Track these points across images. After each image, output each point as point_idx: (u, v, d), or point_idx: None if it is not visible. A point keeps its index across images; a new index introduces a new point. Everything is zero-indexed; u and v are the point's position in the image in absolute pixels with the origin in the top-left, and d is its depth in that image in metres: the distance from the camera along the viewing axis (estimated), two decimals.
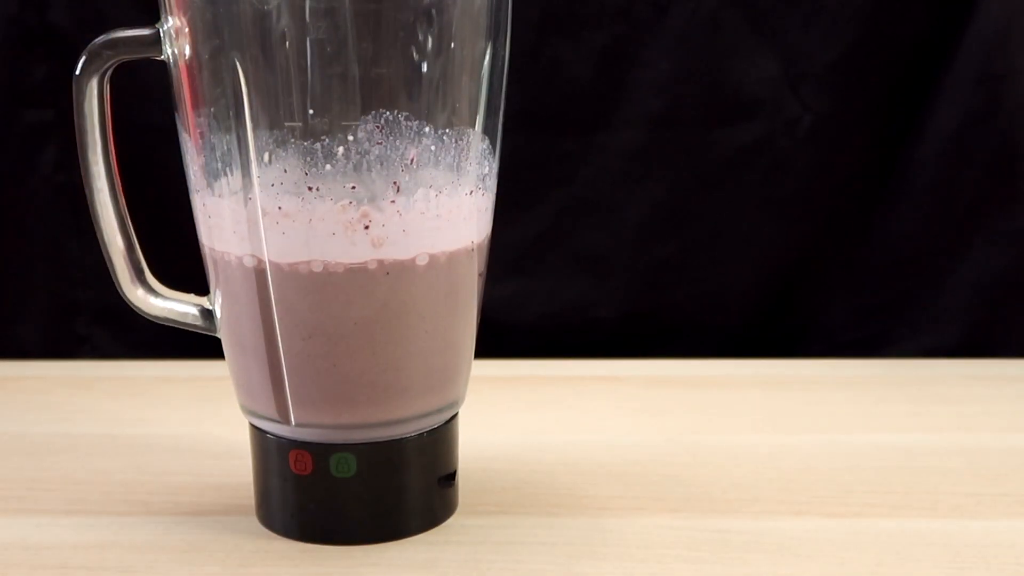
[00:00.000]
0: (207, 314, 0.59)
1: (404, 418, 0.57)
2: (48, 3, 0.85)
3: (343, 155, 0.52)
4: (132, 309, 0.61)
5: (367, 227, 0.53)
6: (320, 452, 0.57)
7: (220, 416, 0.75)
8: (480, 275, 0.59)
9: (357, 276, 0.54)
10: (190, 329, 0.60)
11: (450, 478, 0.60)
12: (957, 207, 0.87)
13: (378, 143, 0.52)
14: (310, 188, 0.53)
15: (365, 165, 0.53)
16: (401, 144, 0.53)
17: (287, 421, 0.57)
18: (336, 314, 0.54)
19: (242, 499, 0.64)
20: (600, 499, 0.63)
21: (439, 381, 0.57)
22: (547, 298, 0.89)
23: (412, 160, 0.53)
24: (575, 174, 0.88)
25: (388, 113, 0.52)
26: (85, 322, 0.90)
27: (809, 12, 0.85)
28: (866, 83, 0.86)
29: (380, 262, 0.53)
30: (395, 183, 0.53)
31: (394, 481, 0.58)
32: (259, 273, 0.54)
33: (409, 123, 0.53)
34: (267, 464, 0.59)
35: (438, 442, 0.59)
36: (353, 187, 0.53)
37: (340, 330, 0.54)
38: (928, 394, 0.78)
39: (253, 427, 0.59)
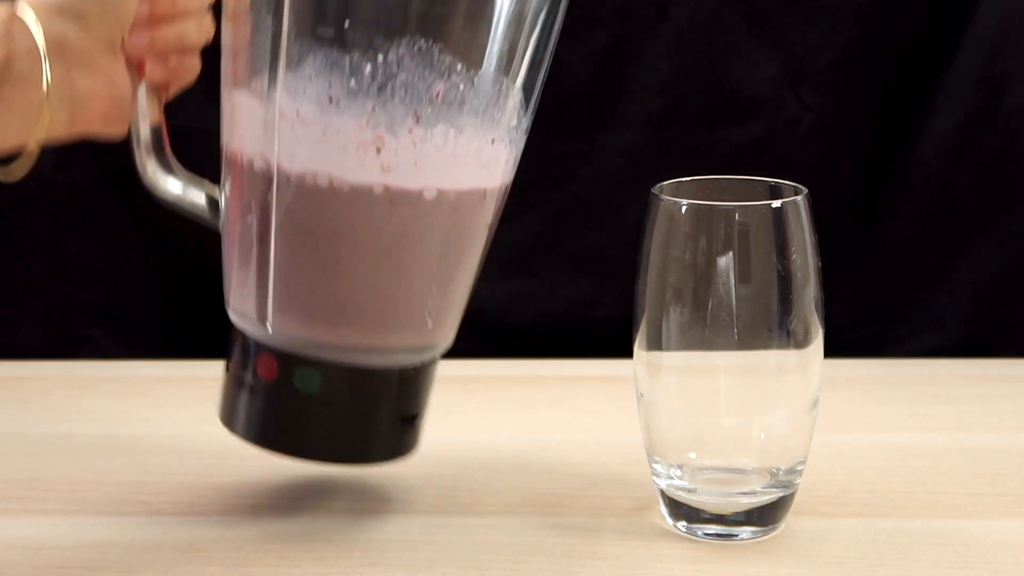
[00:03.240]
0: (214, 205, 0.58)
1: (379, 348, 0.56)
2: None
3: (369, 74, 0.51)
4: (144, 190, 0.59)
5: (379, 150, 0.52)
6: (288, 362, 0.56)
7: None
8: (489, 226, 0.58)
9: (360, 198, 0.53)
10: (194, 218, 0.59)
11: (412, 420, 0.59)
12: (957, 207, 0.87)
13: (407, 69, 0.51)
14: (331, 100, 0.52)
15: (390, 89, 0.51)
16: (430, 76, 0.52)
17: (264, 324, 0.56)
18: (332, 231, 0.53)
19: (242, 499, 0.64)
20: (600, 499, 0.63)
21: (423, 321, 0.56)
22: (547, 298, 0.89)
23: (438, 95, 0.52)
24: (575, 174, 0.88)
25: (423, 42, 0.51)
26: (85, 322, 0.90)
27: (809, 12, 0.85)
28: (866, 83, 0.86)
29: (386, 188, 0.52)
30: (416, 113, 0.52)
31: (355, 408, 0.57)
32: (266, 177, 0.54)
33: (443, 57, 0.52)
34: (237, 365, 0.58)
35: (408, 382, 0.58)
36: (373, 108, 0.52)
37: (333, 248, 0.54)
38: (928, 394, 0.78)
39: (232, 327, 0.58)
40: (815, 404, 0.59)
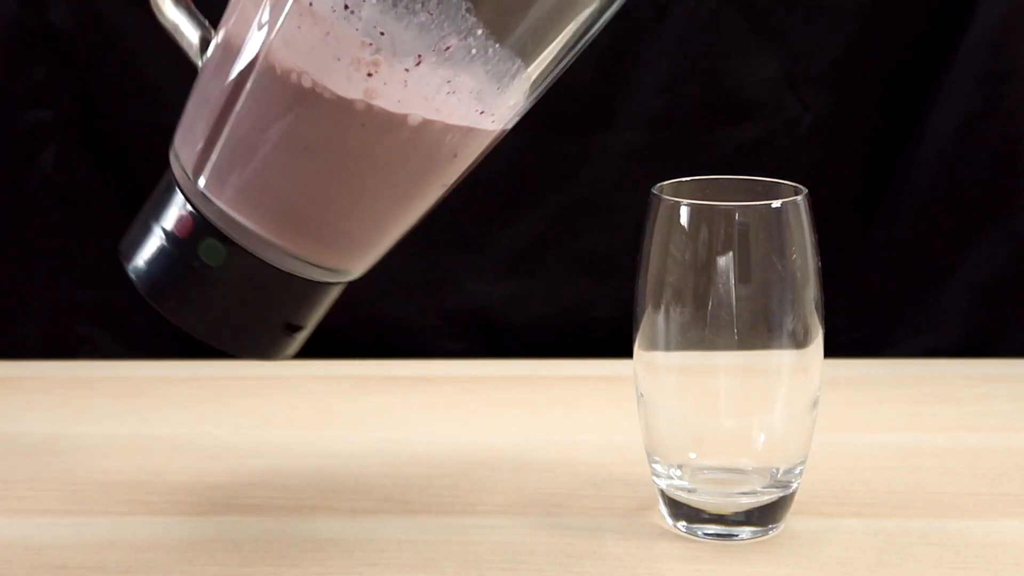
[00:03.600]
0: (204, 47, 0.57)
1: (295, 255, 0.55)
2: (48, 3, 0.85)
3: (393, 2, 0.50)
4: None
5: (369, 75, 0.51)
6: (203, 227, 0.55)
7: (220, 416, 0.75)
8: (445, 187, 0.56)
9: (335, 109, 0.52)
10: (180, 51, 0.58)
11: (295, 330, 0.58)
12: (957, 207, 0.87)
13: (428, 11, 0.50)
14: (347, 7, 0.51)
15: (404, 22, 0.51)
16: (448, 27, 0.51)
17: (195, 181, 0.55)
18: (297, 131, 0.53)
19: (242, 499, 0.64)
20: (600, 499, 0.63)
21: (349, 247, 0.56)
22: (547, 298, 0.89)
23: (448, 49, 0.51)
24: (575, 174, 0.88)
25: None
26: (85, 322, 0.90)
27: (809, 12, 0.85)
28: (866, 83, 0.86)
29: (363, 109, 0.52)
30: (419, 56, 0.51)
31: (245, 296, 0.56)
32: (255, 54, 0.53)
33: (467, 16, 0.51)
34: (155, 205, 0.57)
35: (307, 294, 0.57)
36: (382, 33, 0.51)
37: (290, 147, 0.53)
38: (928, 394, 0.78)
39: (168, 164, 0.57)
40: (815, 404, 0.59)
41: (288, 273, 0.56)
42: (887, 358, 0.87)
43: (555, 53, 0.54)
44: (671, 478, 0.59)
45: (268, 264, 0.55)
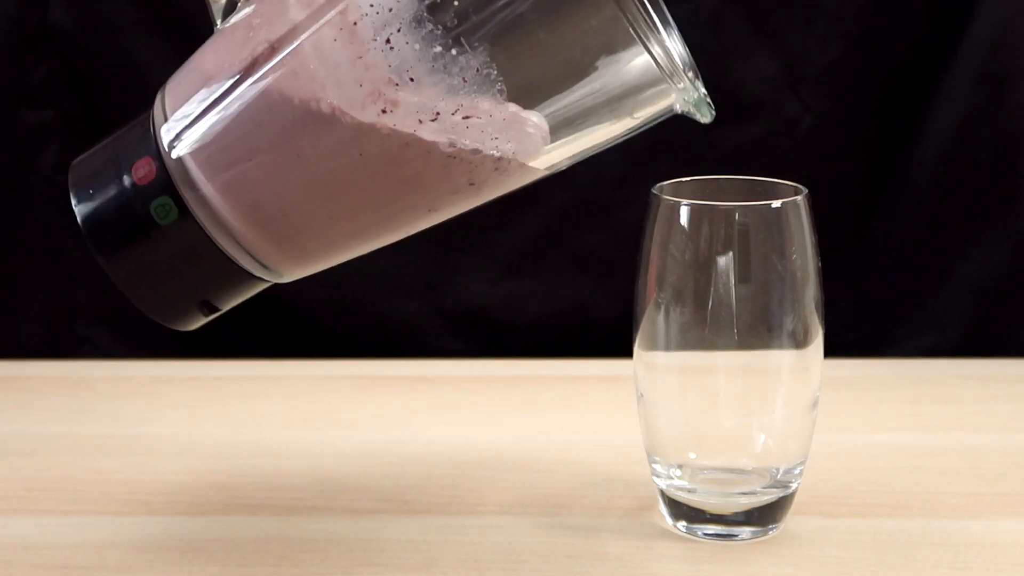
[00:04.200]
0: (229, 11, 0.56)
1: (241, 243, 0.54)
2: (48, 3, 0.85)
3: (433, 56, 0.50)
4: None
5: (384, 111, 0.51)
6: (164, 184, 0.54)
7: (220, 416, 0.75)
8: (428, 217, 0.56)
9: (338, 128, 0.51)
10: (206, 6, 0.56)
11: (210, 310, 0.57)
12: (957, 207, 0.87)
13: (462, 79, 0.50)
14: (388, 41, 0.50)
15: (436, 78, 0.50)
16: (472, 97, 0.51)
17: (174, 136, 0.54)
18: (291, 131, 0.52)
19: (242, 499, 0.64)
20: (600, 499, 0.63)
21: (296, 251, 0.55)
22: (547, 298, 0.89)
23: (467, 118, 0.51)
24: (575, 174, 0.88)
25: (490, 65, 0.50)
26: (85, 322, 0.90)
27: (809, 12, 0.85)
28: (866, 83, 0.86)
29: (369, 140, 0.51)
30: (436, 114, 0.51)
31: (179, 266, 0.55)
32: (278, 44, 0.52)
33: (497, 96, 0.51)
34: (125, 139, 0.55)
35: (236, 283, 0.56)
36: (412, 79, 0.50)
37: (280, 139, 0.52)
38: (928, 394, 0.78)
39: (150, 111, 0.55)
40: (815, 404, 0.59)
41: (229, 258, 0.55)
42: (887, 358, 0.87)
43: (578, 147, 0.55)
44: (671, 478, 0.59)
45: (213, 243, 0.54)
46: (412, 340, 0.89)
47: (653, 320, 0.58)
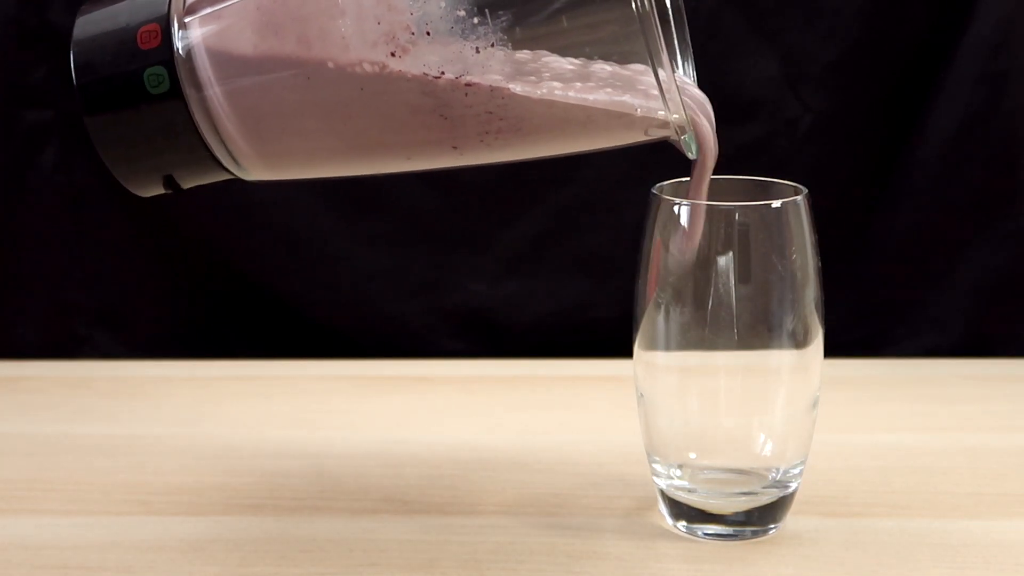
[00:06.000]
0: None
1: (223, 137, 0.54)
2: (48, 3, 0.85)
3: (456, 18, 0.50)
4: None
5: (392, 54, 0.51)
6: (164, 54, 0.53)
7: (220, 416, 0.75)
8: (408, 159, 0.56)
9: (347, 56, 0.51)
10: None
11: (171, 185, 0.57)
12: (957, 207, 0.87)
13: (476, 50, 0.50)
14: (426, 29, 0.51)
15: (454, 39, 0.50)
16: (480, 70, 0.51)
17: (188, 11, 0.54)
18: (303, 49, 0.52)
19: (242, 499, 0.64)
20: (600, 499, 0.63)
21: (276, 160, 0.55)
22: (547, 298, 0.89)
23: (469, 84, 0.51)
24: (575, 174, 0.88)
25: (502, 50, 0.51)
26: (85, 322, 0.90)
27: (809, 12, 0.85)
28: (866, 83, 0.86)
29: (372, 74, 0.51)
30: (441, 73, 0.51)
31: (155, 137, 0.55)
32: None
33: (506, 70, 0.51)
34: (140, 7, 0.55)
35: (205, 169, 0.56)
36: (428, 32, 0.50)
37: (290, 53, 0.52)
38: (928, 394, 0.78)
39: None
40: (815, 404, 0.59)
41: (206, 145, 0.55)
42: (887, 358, 0.87)
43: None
44: (671, 478, 0.59)
45: (195, 126, 0.54)
46: (412, 340, 0.89)
47: (653, 320, 0.58)
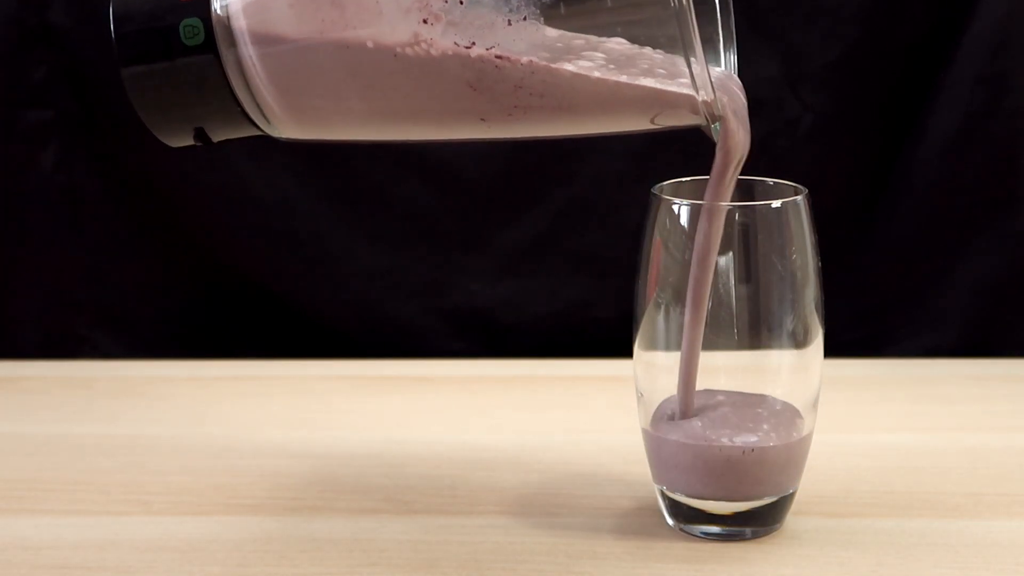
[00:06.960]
0: None
1: (252, 84, 0.54)
2: (48, 3, 0.85)
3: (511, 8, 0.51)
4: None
5: (425, 21, 0.51)
6: (203, 8, 0.54)
7: (220, 416, 0.75)
8: (438, 127, 0.56)
9: (382, 26, 0.52)
10: None
11: (202, 138, 0.57)
12: (957, 207, 0.87)
13: (508, 23, 0.51)
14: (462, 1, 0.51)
15: (489, 12, 0.51)
16: (514, 44, 0.51)
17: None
18: (340, 19, 0.52)
19: (242, 499, 0.64)
20: (600, 499, 0.63)
21: (309, 123, 0.56)
22: (547, 298, 0.89)
23: (499, 57, 0.51)
24: (575, 174, 0.88)
25: (535, 25, 0.51)
26: (85, 322, 0.90)
27: (809, 12, 0.85)
28: (866, 83, 0.86)
29: (405, 44, 0.52)
30: (472, 43, 0.51)
31: (186, 89, 0.55)
32: None
33: (537, 45, 0.51)
34: None
35: (236, 124, 0.56)
36: (462, 1, 0.51)
37: (328, 24, 0.52)
38: (928, 394, 0.78)
39: None
40: (815, 404, 0.59)
41: (237, 100, 0.55)
42: (887, 358, 0.87)
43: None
44: None
45: (227, 81, 0.55)
46: (412, 340, 0.89)
47: (653, 320, 0.58)
